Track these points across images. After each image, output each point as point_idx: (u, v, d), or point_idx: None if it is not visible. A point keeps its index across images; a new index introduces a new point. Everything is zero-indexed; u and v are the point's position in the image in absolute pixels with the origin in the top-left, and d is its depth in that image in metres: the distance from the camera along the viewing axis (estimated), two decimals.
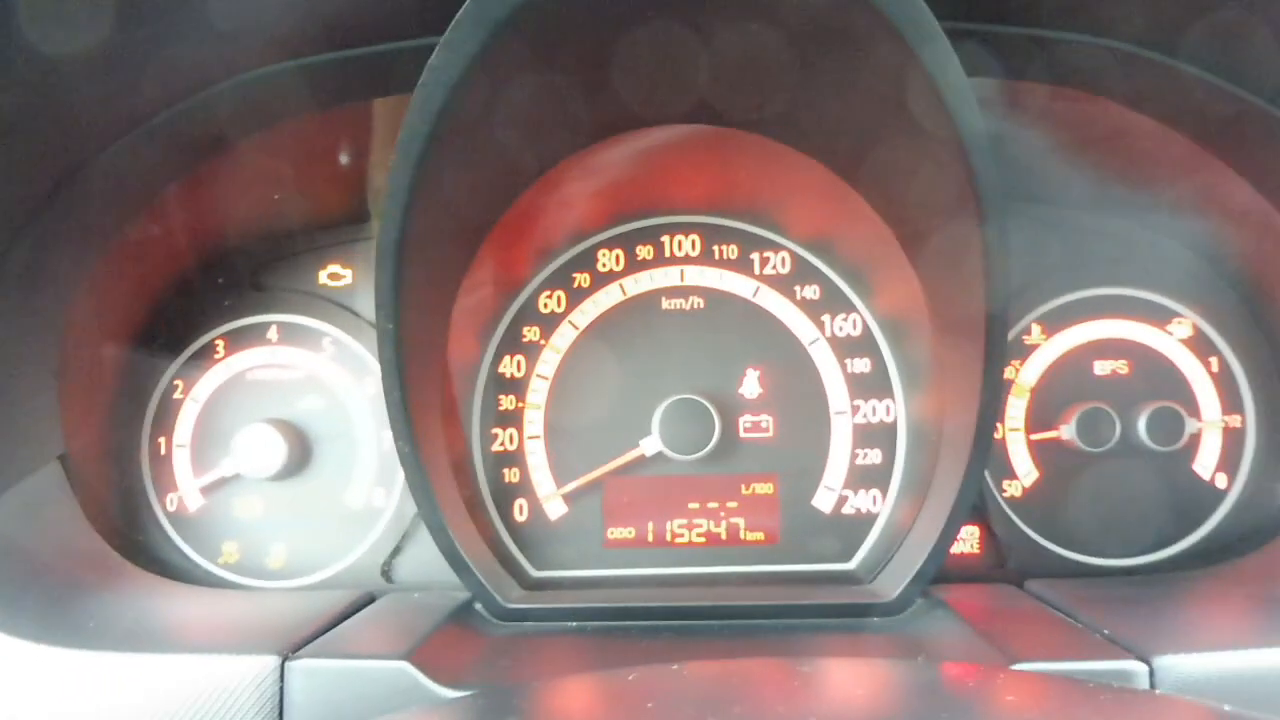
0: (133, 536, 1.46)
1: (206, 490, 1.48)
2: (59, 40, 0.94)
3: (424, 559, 1.45)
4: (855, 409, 1.46)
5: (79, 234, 1.27)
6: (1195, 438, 1.44)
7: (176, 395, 1.50)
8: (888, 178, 1.22)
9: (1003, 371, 1.12)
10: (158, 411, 1.50)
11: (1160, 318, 1.47)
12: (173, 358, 1.50)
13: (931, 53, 0.95)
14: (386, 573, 1.46)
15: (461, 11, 0.90)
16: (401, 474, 1.38)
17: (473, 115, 0.99)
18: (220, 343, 1.50)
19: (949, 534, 1.19)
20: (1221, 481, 1.44)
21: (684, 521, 1.47)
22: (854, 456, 1.45)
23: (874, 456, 1.45)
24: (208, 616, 1.24)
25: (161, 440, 1.49)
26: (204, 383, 1.50)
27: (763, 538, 1.46)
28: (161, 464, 1.49)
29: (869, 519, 1.45)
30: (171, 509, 1.49)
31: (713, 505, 1.46)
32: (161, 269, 1.46)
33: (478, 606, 1.26)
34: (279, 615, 1.20)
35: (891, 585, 1.23)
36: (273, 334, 1.51)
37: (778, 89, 1.16)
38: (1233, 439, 1.45)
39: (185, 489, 1.49)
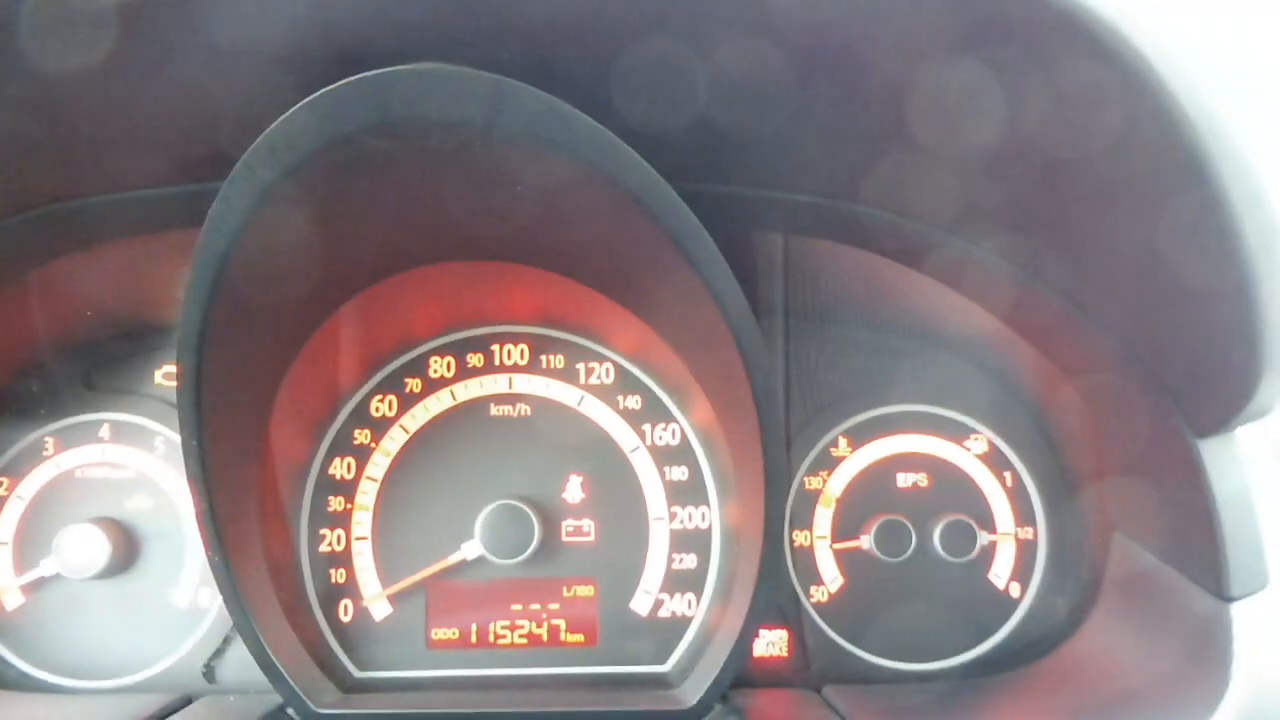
0: None
1: (27, 589, 1.48)
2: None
3: (247, 659, 1.42)
4: (673, 515, 1.52)
5: None
6: (990, 548, 1.53)
7: (1, 492, 1.50)
8: (663, 314, 1.31)
9: (782, 483, 1.20)
10: None
11: (958, 434, 1.56)
12: None
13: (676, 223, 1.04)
14: (208, 673, 1.47)
15: (234, 170, 0.96)
16: None
17: (258, 254, 1.04)
18: (50, 440, 1.51)
19: (745, 639, 1.26)
20: (1015, 591, 1.53)
21: (507, 623, 1.50)
22: (671, 561, 1.51)
23: (690, 561, 1.51)
24: None
25: None
26: (30, 480, 1.50)
27: (583, 639, 1.50)
28: None
29: (684, 622, 1.50)
30: None
31: (535, 607, 1.51)
32: None
33: (289, 712, 1.28)
34: None
35: (694, 690, 1.29)
36: (105, 432, 1.52)
37: (565, 240, 1.25)
38: (1025, 550, 1.54)
39: (4, 587, 1.48)
